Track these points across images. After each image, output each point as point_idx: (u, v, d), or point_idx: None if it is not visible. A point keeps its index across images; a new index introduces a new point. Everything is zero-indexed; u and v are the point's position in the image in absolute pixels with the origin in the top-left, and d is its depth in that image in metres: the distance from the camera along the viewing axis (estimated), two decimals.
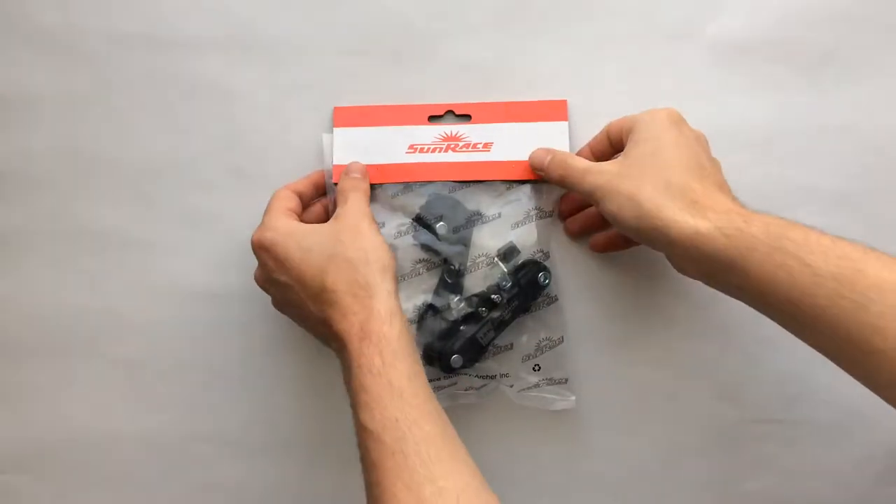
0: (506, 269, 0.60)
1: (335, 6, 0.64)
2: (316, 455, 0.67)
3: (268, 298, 0.60)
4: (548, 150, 0.59)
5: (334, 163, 0.62)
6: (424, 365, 0.54)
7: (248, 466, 0.68)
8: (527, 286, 0.60)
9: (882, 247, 0.60)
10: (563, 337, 0.62)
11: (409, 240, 0.61)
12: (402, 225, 0.61)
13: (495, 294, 0.59)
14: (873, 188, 0.64)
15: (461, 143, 0.62)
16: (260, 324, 0.66)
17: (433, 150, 0.62)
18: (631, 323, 0.65)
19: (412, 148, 0.62)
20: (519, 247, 0.61)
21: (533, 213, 0.61)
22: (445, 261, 0.61)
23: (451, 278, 0.60)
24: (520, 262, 0.61)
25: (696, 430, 0.66)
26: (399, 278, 0.59)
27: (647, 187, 0.51)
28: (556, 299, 0.62)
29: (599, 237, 0.63)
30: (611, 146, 0.59)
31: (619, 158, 0.54)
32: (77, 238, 0.66)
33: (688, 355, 0.65)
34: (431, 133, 0.62)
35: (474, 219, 0.61)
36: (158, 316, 0.66)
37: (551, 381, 0.62)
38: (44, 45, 0.64)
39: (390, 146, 0.62)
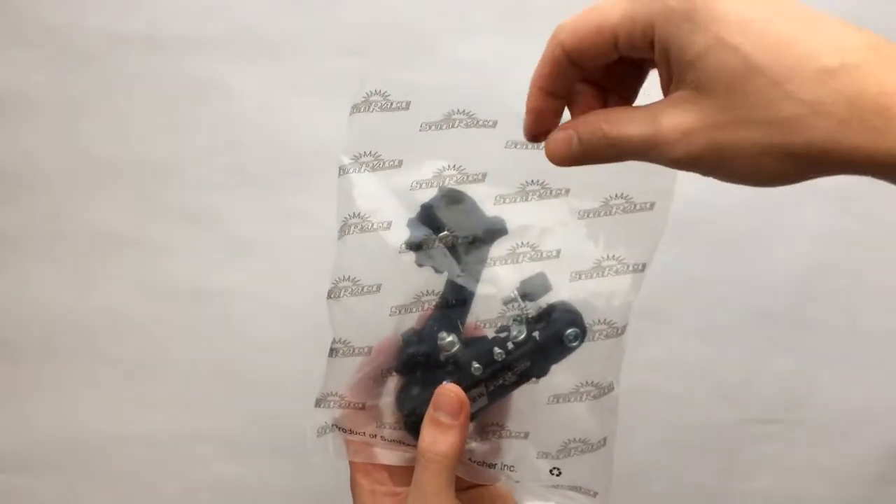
0: (524, 313, 0.42)
1: (335, 6, 0.64)
2: (315, 455, 0.67)
3: (266, 297, 0.60)
4: (566, 129, 0.35)
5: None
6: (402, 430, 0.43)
7: (247, 466, 0.68)
8: (545, 343, 0.42)
9: (881, 247, 0.60)
10: (605, 440, 0.43)
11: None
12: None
13: (498, 347, 0.42)
14: (873, 188, 0.64)
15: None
16: (260, 324, 0.66)
17: None
18: (631, 323, 0.65)
19: None
20: (573, 306, 0.42)
21: (610, 264, 0.42)
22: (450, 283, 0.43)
23: (450, 307, 0.43)
24: (546, 304, 0.42)
25: (696, 430, 0.66)
26: (396, 311, 0.43)
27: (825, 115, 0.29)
28: (612, 390, 0.43)
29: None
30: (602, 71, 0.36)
31: (674, 88, 0.32)
32: (77, 238, 0.66)
33: (688, 355, 0.65)
34: None
35: (494, 231, 0.43)
36: (158, 316, 0.66)
37: (575, 489, 0.44)
38: (44, 45, 0.64)
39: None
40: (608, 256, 0.42)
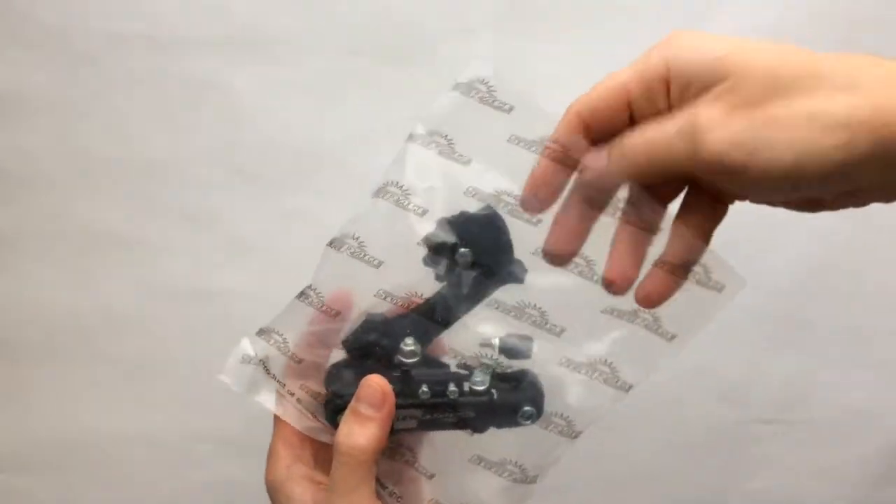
0: (494, 365, 0.40)
1: (335, 6, 0.64)
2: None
3: (266, 297, 0.59)
4: (598, 148, 0.36)
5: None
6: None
7: (248, 465, 0.67)
8: (499, 405, 0.39)
9: (881, 247, 0.60)
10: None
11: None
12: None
13: (454, 385, 0.39)
14: None
15: None
16: (260, 323, 0.66)
17: None
18: None
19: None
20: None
21: (603, 370, 0.40)
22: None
23: (428, 319, 0.40)
24: (517, 368, 0.40)
25: (697, 430, 0.66)
26: (382, 294, 0.40)
27: (821, 93, 0.31)
28: (534, 482, 0.41)
29: (656, 280, 0.38)
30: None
31: (711, 93, 0.33)
32: (77, 238, 0.66)
33: (688, 355, 0.65)
34: None
35: (511, 276, 0.40)
36: (158, 316, 0.66)
37: None
38: (44, 45, 0.64)
39: None
40: (605, 361, 0.40)
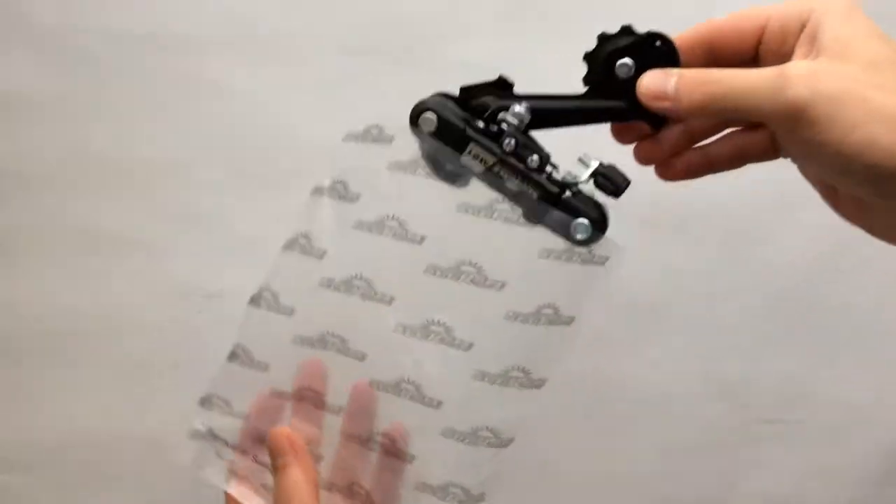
0: (574, 181, 0.39)
1: (336, 6, 0.64)
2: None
3: None
4: (665, 72, 0.37)
5: None
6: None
7: None
8: (562, 204, 0.38)
9: (884, 246, 0.60)
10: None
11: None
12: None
13: (537, 156, 0.39)
14: None
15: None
16: None
17: None
18: (631, 322, 0.65)
19: None
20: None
21: (517, 375, 0.40)
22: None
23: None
24: (595, 198, 0.39)
25: (696, 430, 0.66)
26: (298, 340, 0.43)
27: None
28: (481, 500, 0.40)
29: (687, 157, 0.40)
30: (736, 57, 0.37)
31: (813, 58, 0.33)
32: (77, 238, 0.66)
33: (688, 354, 0.65)
34: None
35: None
36: (158, 316, 0.66)
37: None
38: (44, 45, 0.64)
39: None
40: (518, 367, 0.39)
